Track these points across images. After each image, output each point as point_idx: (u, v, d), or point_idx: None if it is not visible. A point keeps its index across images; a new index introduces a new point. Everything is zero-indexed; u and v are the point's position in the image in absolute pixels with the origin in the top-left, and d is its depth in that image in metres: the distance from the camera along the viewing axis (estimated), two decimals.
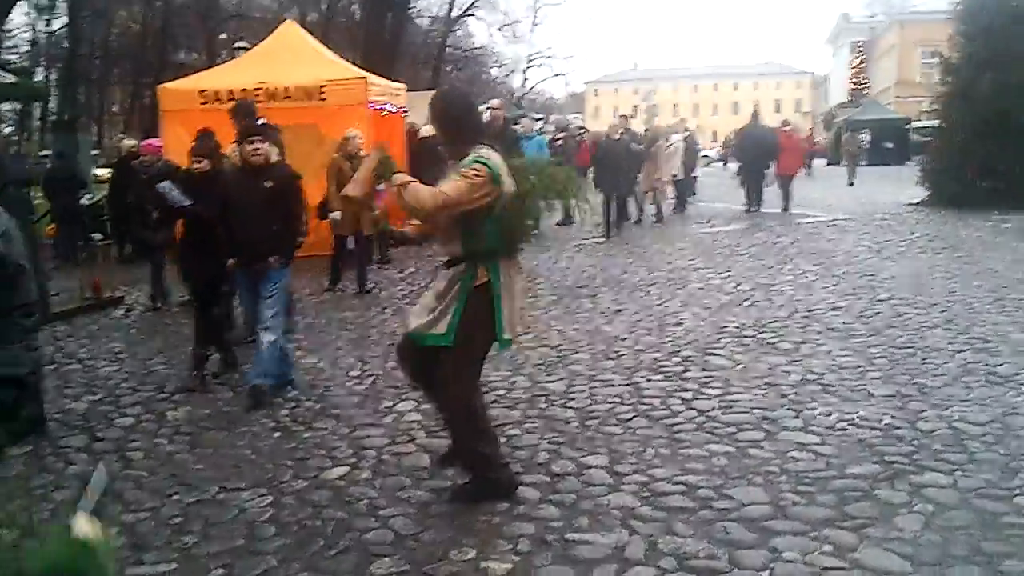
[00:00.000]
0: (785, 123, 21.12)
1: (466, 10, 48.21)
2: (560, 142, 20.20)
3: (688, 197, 22.15)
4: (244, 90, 13.48)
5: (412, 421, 5.77)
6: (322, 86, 13.48)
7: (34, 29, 46.62)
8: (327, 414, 6.01)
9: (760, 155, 18.64)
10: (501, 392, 6.30)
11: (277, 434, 5.64)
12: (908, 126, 43.52)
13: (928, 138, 24.27)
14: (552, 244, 14.55)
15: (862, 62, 65.83)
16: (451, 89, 5.33)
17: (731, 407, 5.82)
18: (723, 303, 9.25)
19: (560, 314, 8.99)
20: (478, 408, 4.58)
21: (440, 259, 4.62)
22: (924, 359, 6.80)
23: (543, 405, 6.02)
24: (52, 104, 45.29)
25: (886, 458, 4.82)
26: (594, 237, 15.14)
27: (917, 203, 19.00)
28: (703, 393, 6.15)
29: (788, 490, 4.44)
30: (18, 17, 46.06)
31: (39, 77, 47.39)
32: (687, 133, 21.16)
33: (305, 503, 4.54)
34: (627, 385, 6.42)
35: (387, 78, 18.39)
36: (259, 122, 8.05)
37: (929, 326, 7.83)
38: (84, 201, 15.01)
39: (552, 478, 4.74)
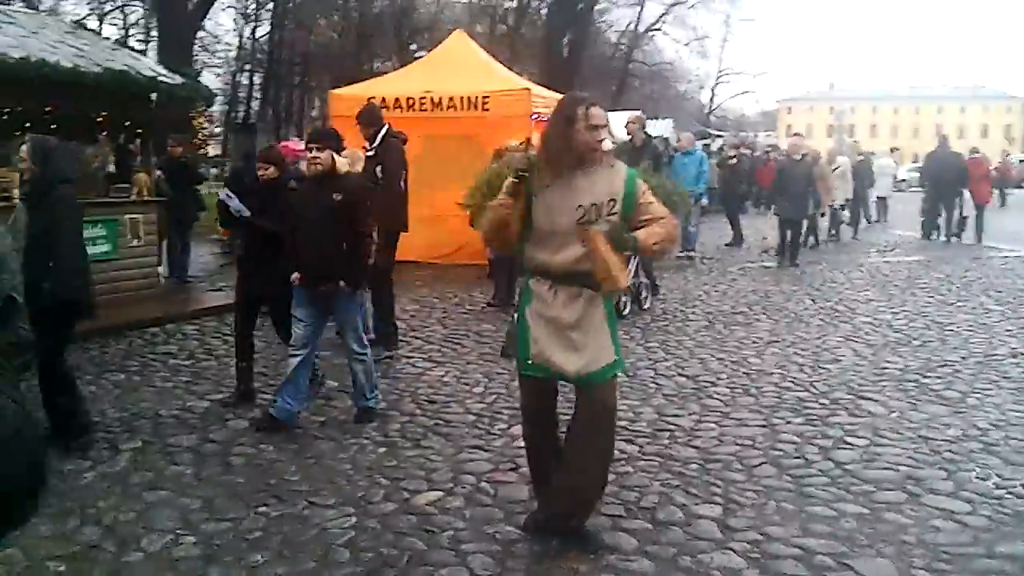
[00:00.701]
0: (974, 150, 19.88)
1: (652, 25, 47.65)
2: (734, 159, 19.46)
3: (876, 221, 21.21)
4: (410, 98, 13.64)
5: (521, 447, 5.43)
6: (485, 97, 13.40)
7: (241, 36, 49.17)
8: (438, 431, 5.78)
9: (947, 182, 17.52)
10: (623, 424, 5.86)
11: (382, 449, 5.44)
12: None
13: None
14: (715, 266, 13.98)
15: None
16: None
17: (874, 461, 5.22)
18: (889, 341, 8.50)
19: (707, 341, 8.47)
20: None
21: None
22: None
23: (665, 441, 5.59)
24: (255, 105, 47.80)
25: None
26: (761, 262, 14.43)
27: None
28: (845, 442, 5.56)
29: (921, 566, 3.87)
30: (227, 22, 48.95)
31: (245, 81, 50.21)
32: (861, 157, 20.03)
33: (388, 528, 4.29)
34: (762, 426, 5.89)
35: (563, 91, 18.24)
36: (384, 128, 7.97)
37: None
38: None
39: (655, 526, 4.32)
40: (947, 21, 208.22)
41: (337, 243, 5.70)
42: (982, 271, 13.48)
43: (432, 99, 13.61)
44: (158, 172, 11.20)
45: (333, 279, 5.71)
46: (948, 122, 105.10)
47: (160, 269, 11.02)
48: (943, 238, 17.92)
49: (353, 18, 47.23)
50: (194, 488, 4.82)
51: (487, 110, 13.43)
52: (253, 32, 49.16)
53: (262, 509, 4.51)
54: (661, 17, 47.03)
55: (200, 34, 45.25)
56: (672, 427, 5.85)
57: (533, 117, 13.65)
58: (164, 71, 10.05)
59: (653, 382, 6.94)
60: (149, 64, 10.11)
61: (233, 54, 49.25)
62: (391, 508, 4.53)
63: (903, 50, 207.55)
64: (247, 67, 50.66)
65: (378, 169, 7.84)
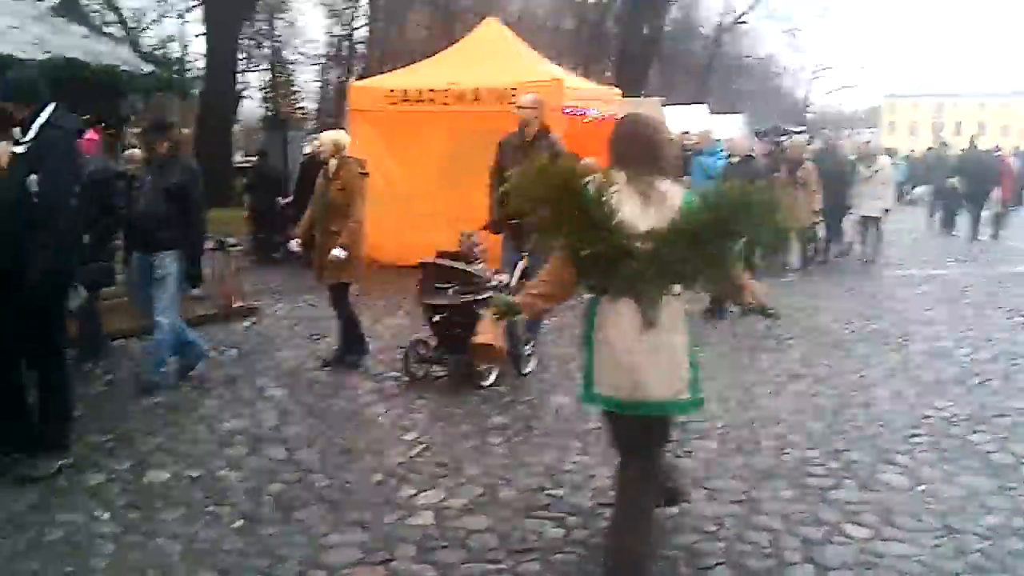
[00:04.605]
0: (996, 148, 20.72)
1: (739, 17, 45.72)
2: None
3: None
4: (433, 90, 12.56)
5: (416, 525, 4.27)
6: (513, 88, 12.16)
7: (330, 33, 48.61)
8: (326, 498, 4.61)
9: (981, 181, 17.62)
10: (563, 491, 4.67)
11: (238, 523, 4.28)
12: None
13: None
14: (759, 273, 12.43)
15: None
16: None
17: (871, 567, 3.88)
18: (943, 377, 7.04)
19: (719, 375, 7.12)
20: None
21: None
22: None
23: (607, 521, 4.32)
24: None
25: None
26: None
27: None
28: (841, 534, 4.21)
29: None
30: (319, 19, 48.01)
31: (332, 76, 49.57)
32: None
33: None
34: (741, 502, 4.59)
35: (624, 85, 17.17)
36: (47, 109, 4.74)
37: None
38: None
39: None
40: None
41: None
42: None
43: (455, 92, 12.49)
44: None
45: None
46: None
47: None
48: (974, 238, 17.48)
49: (440, 9, 46.20)
50: None
51: (515, 103, 12.21)
52: (343, 27, 48.57)
53: None
54: (750, 8, 44.98)
55: (287, 30, 45.21)
56: None
57: (566, 111, 12.44)
58: (138, 61, 9.10)
59: None
60: (120, 54, 9.17)
61: (321, 51, 48.84)
62: None
63: (1016, 45, 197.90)
64: (328, 63, 50.20)
65: (32, 180, 4.66)
